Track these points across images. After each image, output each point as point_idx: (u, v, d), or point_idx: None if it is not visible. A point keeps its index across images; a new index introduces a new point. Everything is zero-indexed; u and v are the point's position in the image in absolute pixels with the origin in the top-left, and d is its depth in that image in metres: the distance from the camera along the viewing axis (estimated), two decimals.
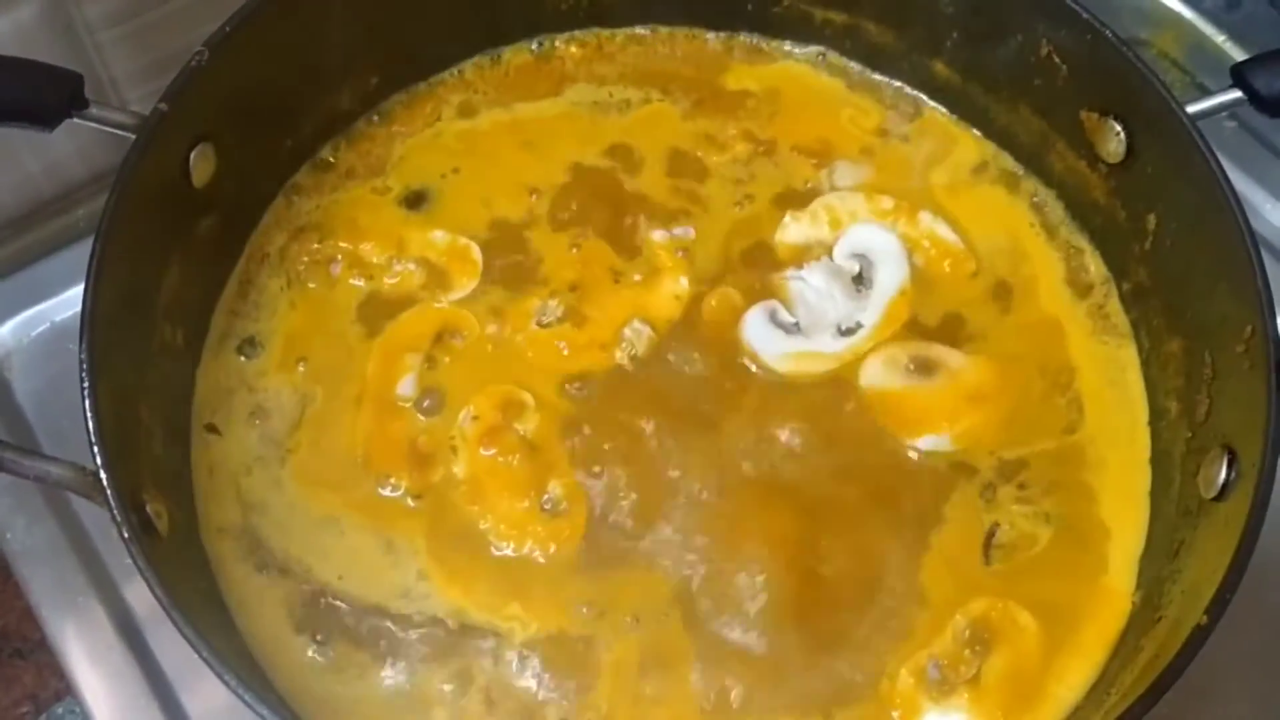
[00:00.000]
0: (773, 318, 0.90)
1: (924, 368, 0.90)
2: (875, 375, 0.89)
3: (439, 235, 0.93)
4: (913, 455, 0.86)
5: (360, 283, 0.91)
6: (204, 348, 0.88)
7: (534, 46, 1.02)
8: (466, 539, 0.82)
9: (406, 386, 0.87)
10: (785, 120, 1.00)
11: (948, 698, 0.78)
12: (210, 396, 0.87)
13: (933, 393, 0.89)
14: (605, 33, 1.03)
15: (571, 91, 1.01)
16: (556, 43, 1.02)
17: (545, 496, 0.83)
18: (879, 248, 0.93)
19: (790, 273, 0.93)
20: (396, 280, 0.91)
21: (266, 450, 0.85)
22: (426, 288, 0.91)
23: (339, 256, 0.92)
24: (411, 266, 0.91)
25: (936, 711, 0.78)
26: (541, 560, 0.81)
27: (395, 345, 0.89)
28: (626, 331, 0.89)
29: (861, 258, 0.93)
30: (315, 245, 0.92)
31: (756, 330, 0.90)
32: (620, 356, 0.88)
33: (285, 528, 0.83)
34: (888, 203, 0.96)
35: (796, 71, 1.03)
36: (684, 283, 0.92)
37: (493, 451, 0.85)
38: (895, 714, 0.78)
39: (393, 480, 0.84)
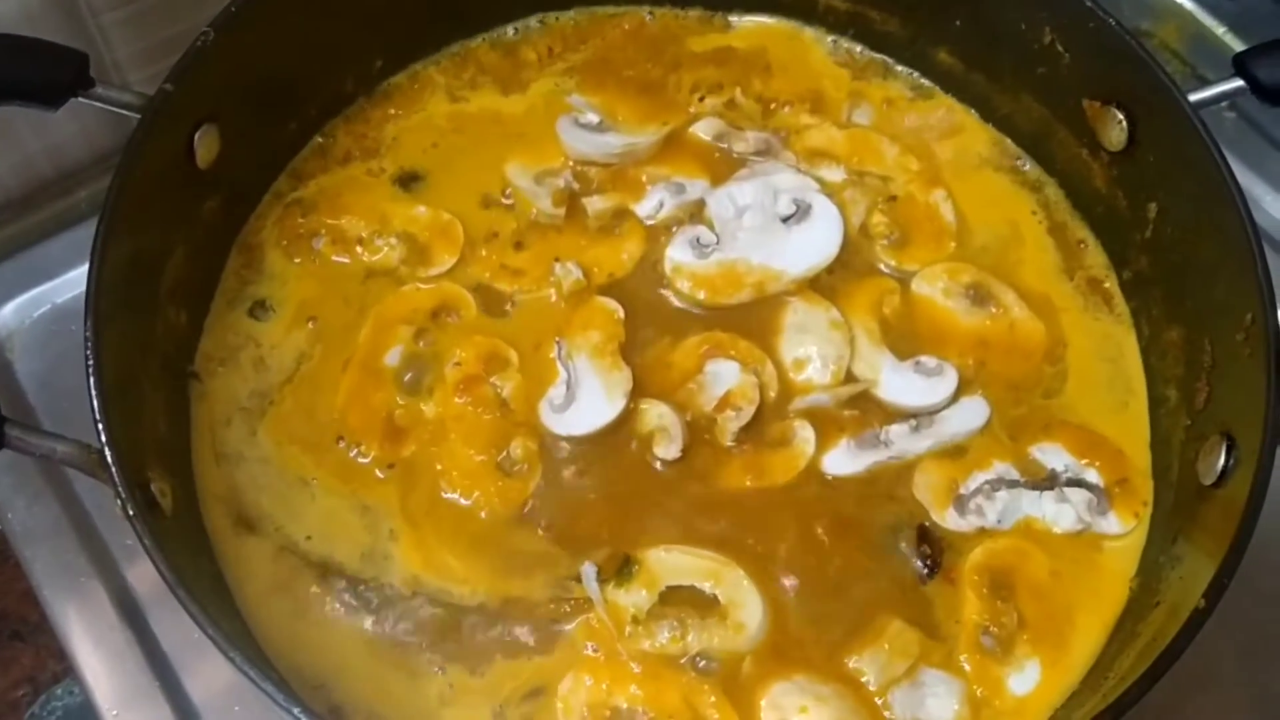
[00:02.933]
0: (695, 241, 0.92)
1: (979, 298, 0.91)
2: (931, 286, 0.91)
3: (421, 210, 0.93)
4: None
5: (345, 260, 0.92)
6: (206, 321, 0.89)
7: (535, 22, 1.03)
8: (434, 510, 0.83)
9: (393, 357, 0.88)
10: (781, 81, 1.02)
11: (1011, 654, 0.79)
12: (216, 351, 0.88)
13: (972, 322, 0.90)
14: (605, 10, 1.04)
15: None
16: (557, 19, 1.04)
17: (503, 455, 0.84)
18: (820, 208, 0.93)
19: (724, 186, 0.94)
20: (378, 256, 0.92)
21: (251, 403, 0.86)
22: (406, 263, 0.92)
23: (322, 231, 0.92)
24: (394, 241, 0.92)
25: (1014, 673, 0.79)
26: (484, 517, 0.83)
27: (390, 317, 0.89)
28: (557, 269, 0.91)
29: (803, 205, 0.93)
30: (299, 220, 0.93)
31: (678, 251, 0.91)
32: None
33: (258, 483, 0.83)
34: (915, 164, 0.97)
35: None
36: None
37: (465, 400, 0.86)
38: (979, 691, 0.78)
39: (362, 447, 0.85)
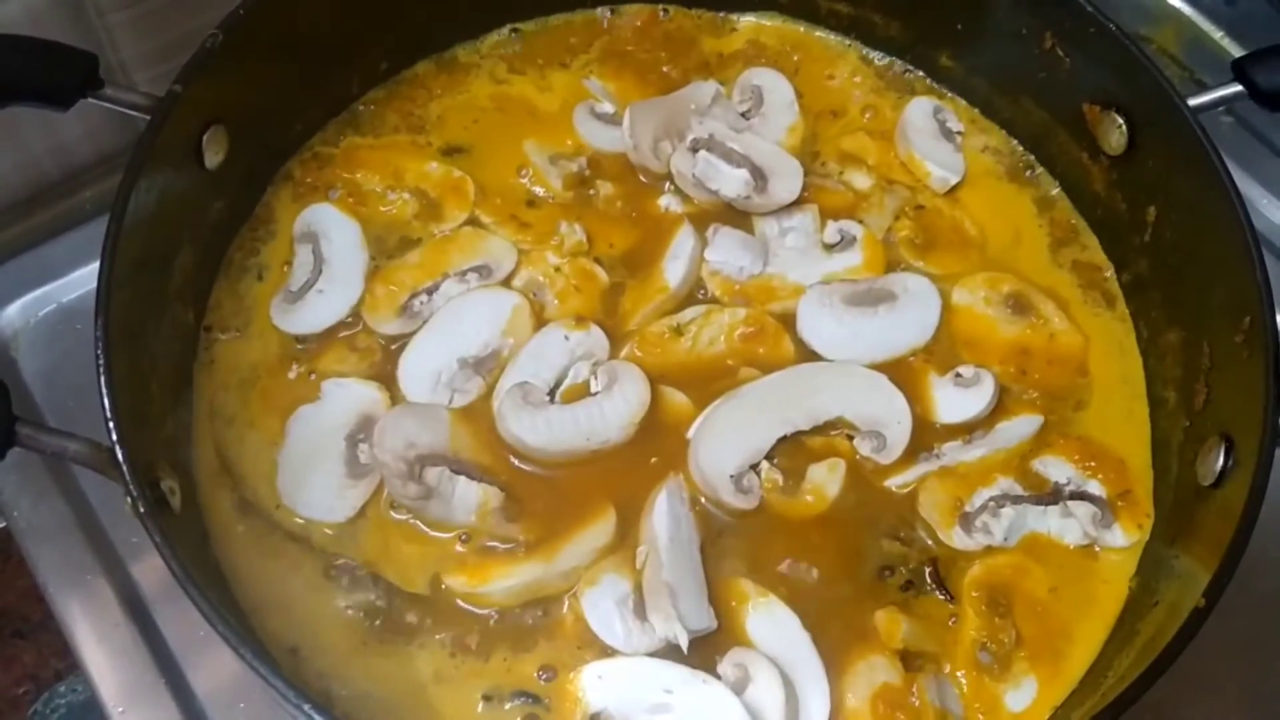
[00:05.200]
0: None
1: (1019, 307, 0.91)
2: (972, 295, 0.91)
3: (434, 166, 0.94)
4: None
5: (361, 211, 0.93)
6: (212, 295, 0.90)
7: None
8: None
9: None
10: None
11: (1009, 670, 0.79)
12: (223, 314, 0.89)
13: (1012, 332, 0.90)
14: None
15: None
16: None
17: None
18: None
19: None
20: (392, 209, 0.93)
21: (247, 373, 0.87)
22: (419, 217, 0.93)
23: (338, 185, 0.94)
24: (406, 196, 0.93)
25: (1010, 690, 0.78)
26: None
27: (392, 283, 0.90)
28: (562, 227, 0.92)
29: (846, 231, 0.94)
30: (315, 171, 0.94)
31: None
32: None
33: (242, 443, 0.84)
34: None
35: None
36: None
37: None
38: (976, 707, 0.78)
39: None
